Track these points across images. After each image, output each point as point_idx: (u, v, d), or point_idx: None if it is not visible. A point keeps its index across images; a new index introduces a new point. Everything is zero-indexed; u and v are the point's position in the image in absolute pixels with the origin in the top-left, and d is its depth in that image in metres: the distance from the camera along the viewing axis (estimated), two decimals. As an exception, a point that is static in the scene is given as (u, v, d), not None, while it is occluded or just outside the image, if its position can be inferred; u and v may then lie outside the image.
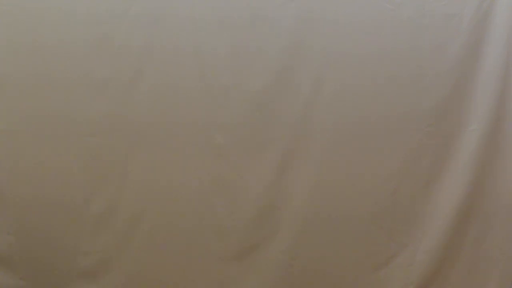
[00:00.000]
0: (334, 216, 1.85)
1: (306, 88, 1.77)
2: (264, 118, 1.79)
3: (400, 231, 1.89)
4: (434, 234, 1.88)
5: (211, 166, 1.81)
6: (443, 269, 1.91)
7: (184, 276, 1.89)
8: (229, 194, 1.83)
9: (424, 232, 1.89)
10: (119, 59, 1.73)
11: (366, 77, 1.77)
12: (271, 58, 1.75)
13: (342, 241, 1.88)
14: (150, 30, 1.71)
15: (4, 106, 1.76)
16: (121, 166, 1.80)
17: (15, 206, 1.82)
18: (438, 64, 1.78)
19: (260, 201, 1.84)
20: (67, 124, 1.76)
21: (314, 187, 1.83)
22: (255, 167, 1.81)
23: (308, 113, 1.78)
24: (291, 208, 1.84)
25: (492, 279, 1.92)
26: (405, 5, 1.74)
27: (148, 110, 1.76)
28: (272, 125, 1.79)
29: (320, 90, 1.77)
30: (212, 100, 1.76)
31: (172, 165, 1.80)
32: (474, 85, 1.80)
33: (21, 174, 1.80)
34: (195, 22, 1.71)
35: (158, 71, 1.74)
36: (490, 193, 1.87)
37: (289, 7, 1.72)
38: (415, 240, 1.90)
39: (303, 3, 1.72)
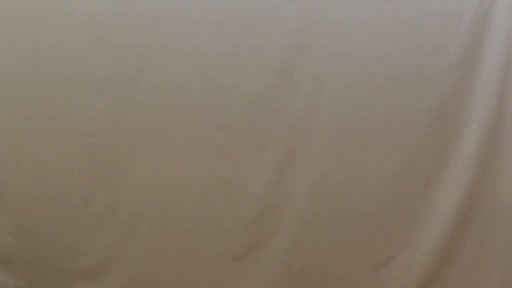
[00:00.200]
0: (334, 216, 1.85)
1: (306, 88, 1.77)
2: (264, 118, 1.79)
3: (400, 231, 1.89)
4: (434, 234, 1.87)
5: (211, 166, 1.81)
6: (443, 269, 1.91)
7: (184, 276, 1.89)
8: (229, 194, 1.83)
9: (424, 232, 1.89)
10: (119, 59, 1.73)
11: (366, 77, 1.77)
12: (271, 58, 1.75)
13: (342, 241, 1.87)
14: (150, 30, 1.71)
15: (4, 106, 1.76)
16: (121, 166, 1.80)
17: (15, 206, 1.82)
18: (438, 64, 1.78)
19: (260, 201, 1.84)
20: (67, 124, 1.77)
21: (314, 187, 1.83)
22: (255, 167, 1.81)
23: (308, 113, 1.78)
24: (291, 208, 1.84)
25: (492, 279, 1.92)
26: (405, 5, 1.74)
27: (148, 110, 1.76)
28: (272, 125, 1.79)
29: (320, 90, 1.77)
30: (212, 100, 1.76)
31: (172, 165, 1.80)
32: (474, 85, 1.80)
33: (21, 174, 1.80)
34: (195, 22, 1.71)
35: (158, 71, 1.74)
36: (490, 193, 1.87)
37: (289, 7, 1.72)
38: (415, 240, 1.89)
39: (303, 3, 1.72)
